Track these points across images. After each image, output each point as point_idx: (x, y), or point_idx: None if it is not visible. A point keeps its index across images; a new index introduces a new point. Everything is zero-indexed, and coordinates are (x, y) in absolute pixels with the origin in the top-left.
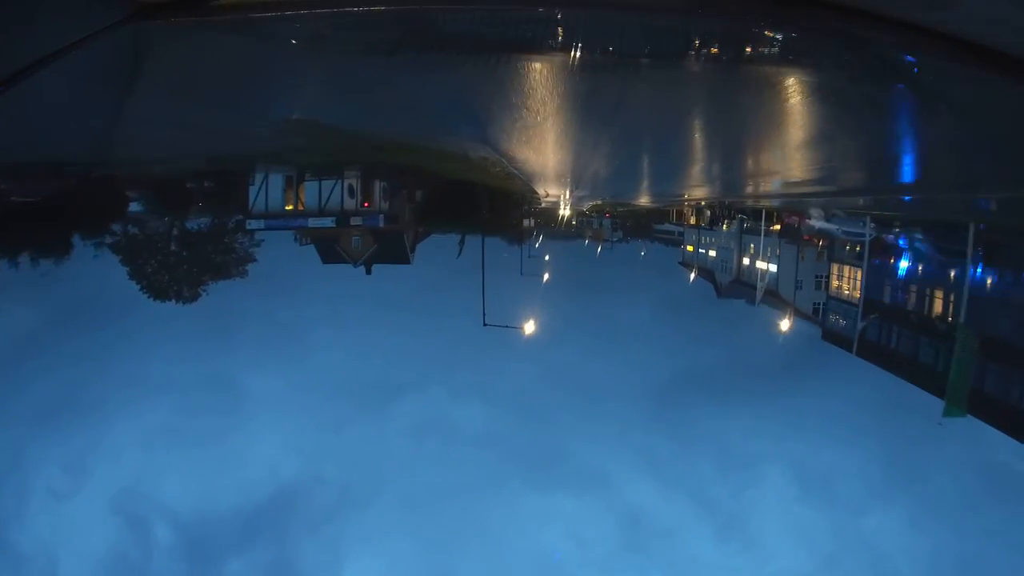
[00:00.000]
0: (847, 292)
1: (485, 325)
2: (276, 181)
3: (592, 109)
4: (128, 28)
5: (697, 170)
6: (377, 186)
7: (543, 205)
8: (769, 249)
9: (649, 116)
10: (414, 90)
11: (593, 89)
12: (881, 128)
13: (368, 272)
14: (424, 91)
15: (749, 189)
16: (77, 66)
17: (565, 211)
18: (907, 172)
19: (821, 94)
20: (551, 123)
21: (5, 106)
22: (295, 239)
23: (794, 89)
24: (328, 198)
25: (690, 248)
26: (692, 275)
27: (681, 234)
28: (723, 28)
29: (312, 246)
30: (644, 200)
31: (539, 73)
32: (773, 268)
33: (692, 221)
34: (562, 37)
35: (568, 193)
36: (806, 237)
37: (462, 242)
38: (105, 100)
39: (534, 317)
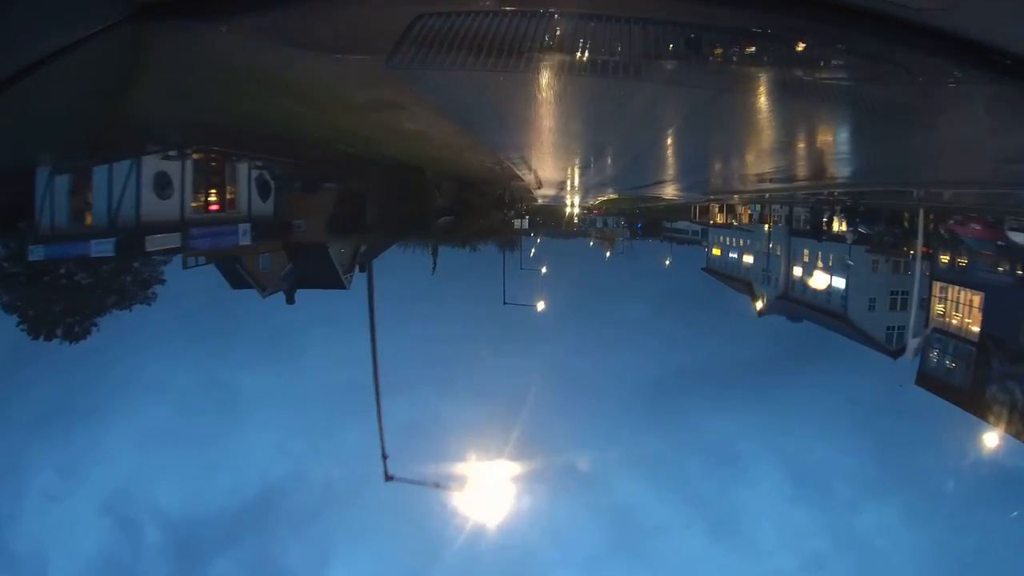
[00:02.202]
0: (960, 324)
1: (389, 480)
2: (62, 181)
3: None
4: (128, 28)
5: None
6: (247, 174)
7: (538, 202)
8: (831, 257)
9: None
10: None
11: (599, 88)
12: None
13: (290, 301)
14: None
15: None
16: (77, 66)
17: (566, 208)
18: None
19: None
20: (547, 103)
21: (5, 106)
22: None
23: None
24: (120, 198)
25: (716, 252)
26: (723, 286)
27: (696, 233)
28: (722, 27)
29: (214, 266)
30: (676, 194)
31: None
32: (839, 282)
33: (719, 220)
34: (564, 36)
35: (570, 184)
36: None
37: (436, 254)
38: (105, 100)
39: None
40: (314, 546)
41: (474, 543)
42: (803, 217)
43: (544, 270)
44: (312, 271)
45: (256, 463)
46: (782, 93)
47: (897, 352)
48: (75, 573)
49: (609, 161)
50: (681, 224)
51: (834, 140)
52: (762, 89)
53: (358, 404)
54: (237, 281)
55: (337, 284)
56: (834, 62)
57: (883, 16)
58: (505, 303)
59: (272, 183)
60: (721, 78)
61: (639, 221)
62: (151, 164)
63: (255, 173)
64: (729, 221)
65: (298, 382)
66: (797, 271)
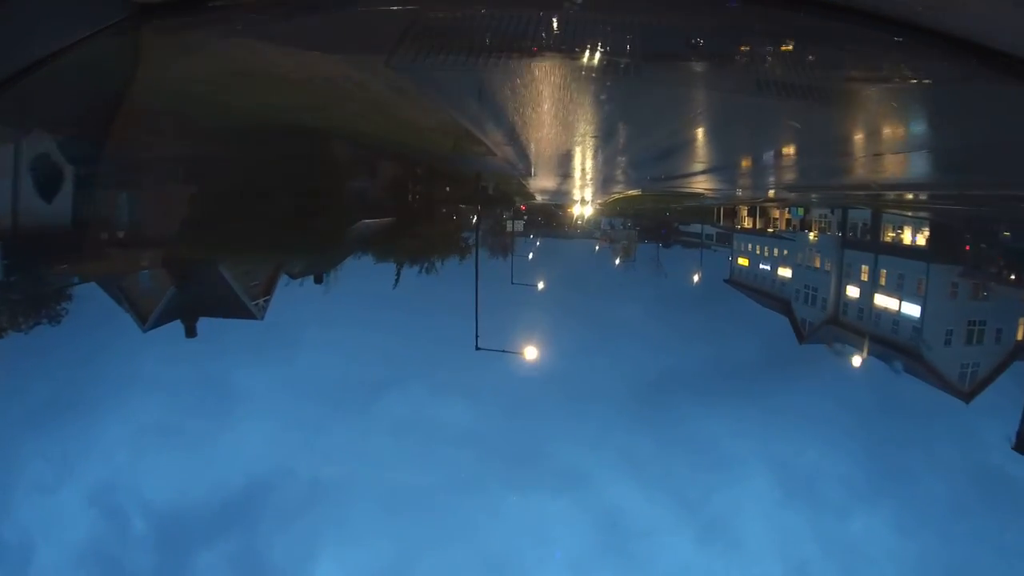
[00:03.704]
0: None
1: None
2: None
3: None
4: (128, 28)
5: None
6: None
7: (536, 199)
8: (900, 276)
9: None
10: None
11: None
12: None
13: (190, 334)
14: None
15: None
16: (77, 66)
17: (573, 207)
18: None
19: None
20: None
21: (5, 106)
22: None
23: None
24: None
25: (743, 262)
26: (752, 303)
27: (711, 237)
28: (722, 28)
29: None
30: (713, 192)
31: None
32: (911, 310)
33: (747, 224)
34: (567, 35)
35: (577, 179)
36: None
37: (401, 268)
38: (105, 100)
39: None
40: (298, 545)
41: (465, 541)
42: (861, 224)
43: (541, 285)
44: (204, 296)
45: (239, 461)
46: (796, 92)
47: (969, 395)
48: (62, 563)
49: (623, 158)
50: (695, 227)
51: (884, 139)
52: (788, 88)
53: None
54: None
55: (242, 312)
56: (834, 62)
57: (883, 16)
58: (479, 348)
59: (88, 176)
60: (735, 78)
61: (662, 224)
62: None
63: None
64: (761, 226)
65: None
66: (852, 291)
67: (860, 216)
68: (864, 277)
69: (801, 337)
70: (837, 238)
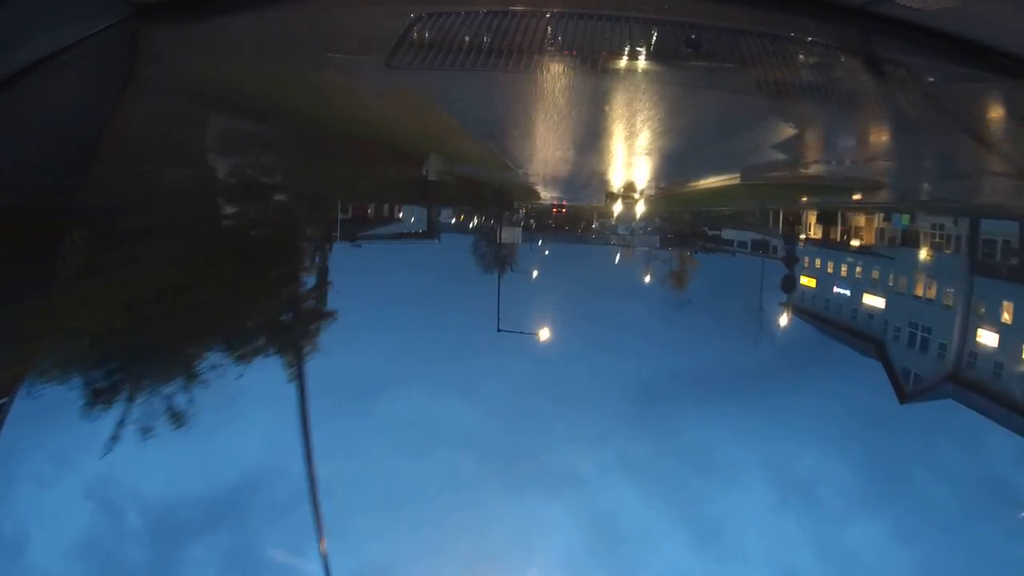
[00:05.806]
0: None
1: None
2: None
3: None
4: (128, 28)
5: None
6: None
7: (541, 198)
8: None
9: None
10: None
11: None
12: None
13: None
14: None
15: None
16: (77, 66)
17: (610, 207)
18: None
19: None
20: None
21: (5, 106)
22: None
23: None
24: None
25: (809, 283)
26: (824, 337)
27: (745, 245)
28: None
29: None
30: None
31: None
32: None
33: (814, 233)
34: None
35: (609, 165)
36: None
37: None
38: (105, 100)
39: None
40: (292, 538)
41: (458, 542)
42: (1002, 241)
43: (544, 334)
44: None
45: (236, 456)
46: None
47: None
48: (58, 554)
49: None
50: (729, 233)
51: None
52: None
53: None
54: None
55: None
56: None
57: (883, 16)
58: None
59: None
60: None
61: (666, 228)
62: None
63: None
64: (840, 237)
65: None
66: (987, 338)
67: (999, 229)
68: (1007, 318)
69: (903, 395)
70: (963, 259)
